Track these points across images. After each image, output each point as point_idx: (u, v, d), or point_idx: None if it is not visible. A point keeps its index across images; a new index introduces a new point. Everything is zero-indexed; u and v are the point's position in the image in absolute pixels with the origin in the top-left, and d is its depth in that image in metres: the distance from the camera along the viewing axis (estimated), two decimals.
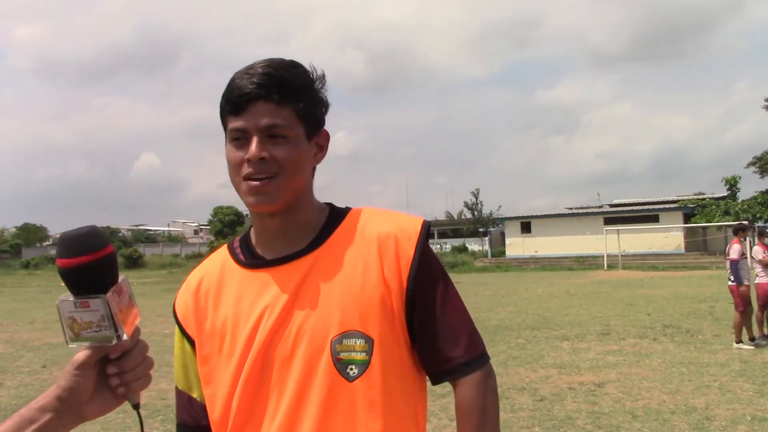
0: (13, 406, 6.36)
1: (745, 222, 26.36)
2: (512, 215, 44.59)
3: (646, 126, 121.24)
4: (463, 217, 52.21)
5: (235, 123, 1.14)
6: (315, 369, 1.12)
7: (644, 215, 39.76)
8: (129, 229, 67.29)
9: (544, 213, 43.93)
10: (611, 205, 47.45)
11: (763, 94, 66.51)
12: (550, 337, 10.08)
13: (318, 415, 1.11)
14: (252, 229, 1.27)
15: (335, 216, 1.25)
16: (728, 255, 9.02)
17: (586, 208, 48.22)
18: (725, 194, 39.79)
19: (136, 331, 1.00)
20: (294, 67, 1.18)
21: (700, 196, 42.65)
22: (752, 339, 8.79)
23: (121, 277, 0.98)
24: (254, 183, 1.14)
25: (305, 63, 1.21)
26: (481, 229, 48.79)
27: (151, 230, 70.63)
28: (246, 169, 1.14)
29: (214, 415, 1.20)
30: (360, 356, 1.12)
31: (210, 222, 51.49)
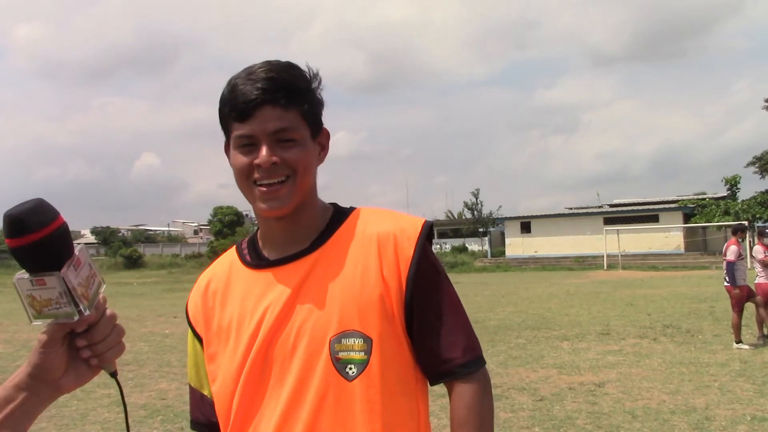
0: None
1: (745, 222, 26.40)
2: (512, 215, 44.61)
3: (645, 126, 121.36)
4: (463, 217, 52.19)
5: (242, 129, 1.14)
6: (314, 368, 1.13)
7: (644, 215, 39.75)
8: (129, 229, 67.20)
9: (544, 213, 43.94)
10: (611, 205, 47.43)
11: (763, 94, 66.60)
12: (550, 337, 10.08)
13: (316, 414, 1.12)
14: (259, 230, 1.29)
15: (338, 216, 1.25)
16: (725, 256, 9.03)
17: (585, 208, 48.16)
18: (725, 194, 39.79)
19: (102, 301, 0.98)
20: (293, 68, 1.19)
21: (700, 196, 42.66)
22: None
23: (78, 248, 0.93)
24: (266, 188, 1.14)
25: (301, 63, 1.22)
26: (481, 229, 48.77)
27: (151, 230, 70.56)
28: (256, 175, 1.14)
29: (219, 411, 1.22)
30: (359, 356, 1.13)
31: (210, 222, 51.32)
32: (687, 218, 38.37)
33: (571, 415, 5.63)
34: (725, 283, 9.05)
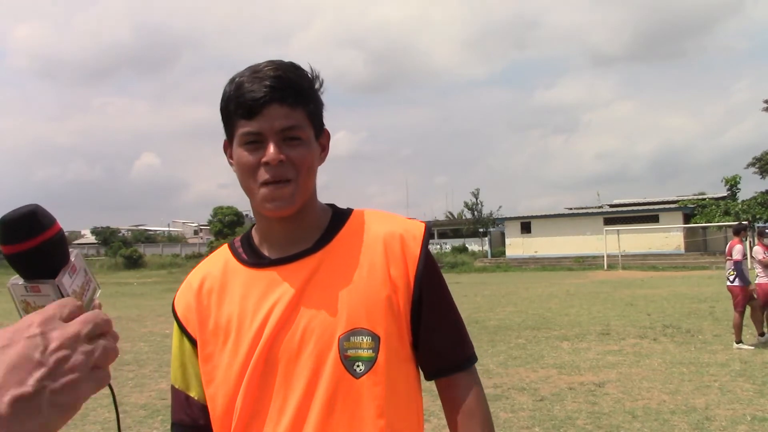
0: None
1: (745, 222, 26.38)
2: (512, 215, 44.63)
3: (645, 126, 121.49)
4: (463, 217, 52.17)
5: (249, 127, 1.13)
6: (323, 366, 1.13)
7: (644, 215, 39.76)
8: (129, 229, 67.20)
9: (544, 213, 43.94)
10: (611, 206, 47.45)
11: (762, 95, 66.62)
12: (550, 337, 10.08)
13: (326, 412, 1.12)
14: (254, 229, 1.27)
15: (339, 216, 1.26)
16: (730, 256, 9.04)
17: (586, 208, 48.19)
18: (725, 194, 39.79)
19: (97, 307, 0.95)
20: (297, 69, 1.19)
21: (700, 197, 42.67)
22: (761, 334, 8.87)
23: (73, 254, 0.92)
24: (272, 188, 1.14)
25: (303, 63, 1.22)
26: (481, 230, 48.75)
27: (151, 230, 70.54)
28: (264, 174, 1.13)
29: (216, 413, 1.20)
30: (367, 353, 1.14)
31: (210, 222, 51.33)
32: (687, 218, 38.38)
33: (571, 415, 5.63)
34: (728, 283, 9.06)
